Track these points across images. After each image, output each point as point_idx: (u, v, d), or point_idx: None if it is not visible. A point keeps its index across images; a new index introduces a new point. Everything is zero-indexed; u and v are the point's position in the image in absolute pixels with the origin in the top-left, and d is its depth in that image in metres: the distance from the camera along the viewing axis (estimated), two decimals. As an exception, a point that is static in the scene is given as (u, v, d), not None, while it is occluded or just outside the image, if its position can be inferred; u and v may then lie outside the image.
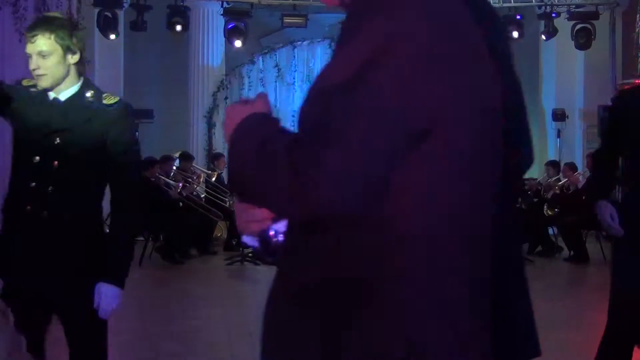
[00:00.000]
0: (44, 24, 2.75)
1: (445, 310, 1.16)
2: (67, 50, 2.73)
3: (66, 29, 2.73)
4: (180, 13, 12.66)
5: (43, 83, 2.75)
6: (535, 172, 13.85)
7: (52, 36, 2.70)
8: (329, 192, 1.10)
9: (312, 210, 1.14)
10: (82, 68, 2.83)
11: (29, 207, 2.73)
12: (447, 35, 1.14)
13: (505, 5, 13.32)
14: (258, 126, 1.20)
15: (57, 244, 2.72)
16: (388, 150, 1.11)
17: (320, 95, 1.15)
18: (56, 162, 2.72)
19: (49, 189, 2.71)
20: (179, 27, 12.64)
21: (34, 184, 2.72)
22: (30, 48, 2.72)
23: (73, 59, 2.76)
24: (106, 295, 2.70)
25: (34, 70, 2.73)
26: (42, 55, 2.70)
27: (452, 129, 1.13)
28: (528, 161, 1.76)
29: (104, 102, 2.78)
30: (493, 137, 1.23)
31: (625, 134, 3.56)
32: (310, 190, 1.10)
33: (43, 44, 2.70)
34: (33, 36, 2.71)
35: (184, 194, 10.50)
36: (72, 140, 2.72)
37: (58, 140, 2.72)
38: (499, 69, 1.26)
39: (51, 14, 2.98)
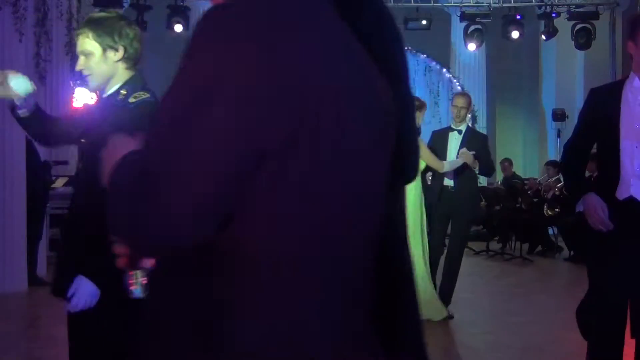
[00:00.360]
0: (84, 23, 2.71)
1: (302, 335, 1.12)
2: (107, 47, 2.66)
3: (105, 25, 2.67)
4: (180, 13, 12.66)
5: (91, 84, 2.71)
6: (535, 172, 13.88)
7: (91, 34, 2.65)
8: (173, 221, 1.07)
9: (160, 243, 1.11)
10: (130, 64, 2.74)
11: (66, 211, 2.78)
12: (300, 46, 1.10)
13: (505, 5, 13.33)
14: (126, 166, 1.17)
15: (68, 245, 2.73)
16: (232, 172, 1.08)
17: (160, 120, 1.12)
18: (81, 165, 2.72)
19: (74, 191, 2.73)
20: (179, 27, 12.64)
21: (71, 188, 2.76)
22: (77, 49, 2.70)
23: (116, 56, 2.68)
24: (79, 289, 2.60)
25: (80, 71, 2.70)
26: (84, 54, 2.67)
27: (305, 146, 1.09)
28: (412, 172, 1.73)
29: (130, 99, 2.66)
30: (377, 146, 1.19)
31: (594, 130, 3.55)
32: (152, 222, 1.08)
33: (83, 43, 2.66)
34: (76, 36, 2.70)
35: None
36: (92, 141, 2.63)
37: (84, 141, 2.71)
38: (380, 72, 1.22)
39: (97, 13, 2.92)
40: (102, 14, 2.78)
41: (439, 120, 14.34)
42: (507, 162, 12.78)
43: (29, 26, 7.89)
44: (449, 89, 14.34)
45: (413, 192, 5.93)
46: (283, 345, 1.11)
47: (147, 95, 2.69)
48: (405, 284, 1.51)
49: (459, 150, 6.28)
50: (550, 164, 11.85)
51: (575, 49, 13.15)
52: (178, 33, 12.77)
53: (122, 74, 2.72)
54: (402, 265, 1.54)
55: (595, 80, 13.40)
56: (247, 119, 1.07)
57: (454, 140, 6.44)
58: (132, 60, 2.74)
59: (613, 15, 13.42)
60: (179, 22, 12.61)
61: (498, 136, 15.31)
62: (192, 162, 1.06)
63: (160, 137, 1.10)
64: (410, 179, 1.66)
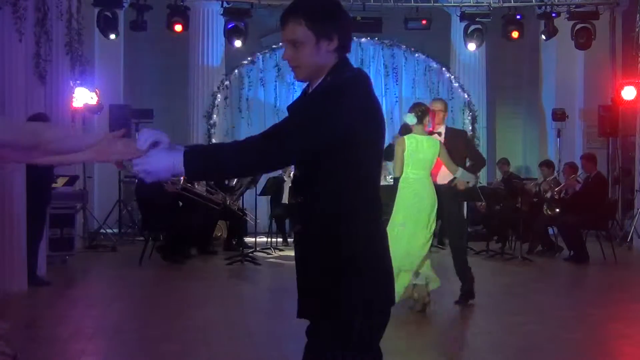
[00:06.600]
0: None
1: None
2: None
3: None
4: (180, 13, 12.66)
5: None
6: (535, 172, 13.86)
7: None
8: None
9: None
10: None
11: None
12: None
13: (505, 5, 13.32)
14: None
15: None
16: None
17: None
18: None
19: None
20: (179, 27, 12.64)
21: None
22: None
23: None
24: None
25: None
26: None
27: None
28: None
29: None
30: None
31: None
32: None
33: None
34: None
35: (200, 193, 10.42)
36: None
37: None
38: None
39: None
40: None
41: (438, 120, 14.33)
42: (504, 162, 12.78)
43: (29, 26, 7.88)
44: (449, 89, 14.33)
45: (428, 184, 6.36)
46: None
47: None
48: None
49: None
50: (544, 164, 11.79)
51: (575, 49, 13.15)
52: (178, 33, 12.77)
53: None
54: None
55: (595, 80, 13.45)
56: None
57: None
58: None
59: (613, 15, 13.42)
60: (179, 22, 12.61)
61: (498, 136, 15.30)
62: None
63: None
64: None
